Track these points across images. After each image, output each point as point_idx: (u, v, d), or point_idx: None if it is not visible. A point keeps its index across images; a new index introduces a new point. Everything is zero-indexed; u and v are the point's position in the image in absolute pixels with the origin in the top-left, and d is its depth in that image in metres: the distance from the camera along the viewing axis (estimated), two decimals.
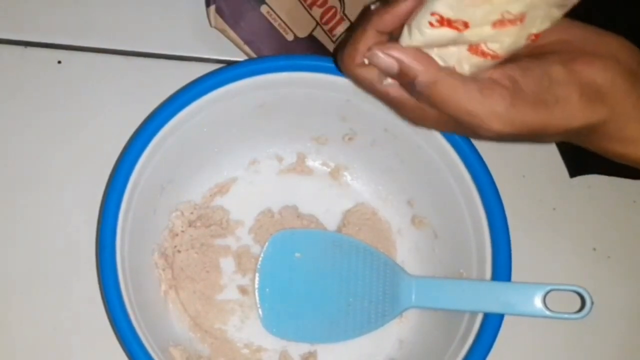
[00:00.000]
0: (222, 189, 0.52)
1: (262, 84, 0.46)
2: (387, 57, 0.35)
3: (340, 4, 0.54)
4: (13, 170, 0.51)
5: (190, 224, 0.50)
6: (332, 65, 0.46)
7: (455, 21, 0.32)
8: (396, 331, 0.50)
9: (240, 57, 0.54)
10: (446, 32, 0.33)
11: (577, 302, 0.44)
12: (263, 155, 0.52)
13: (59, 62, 0.54)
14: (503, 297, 0.43)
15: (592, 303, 0.43)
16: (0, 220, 0.50)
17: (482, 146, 0.46)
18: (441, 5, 0.32)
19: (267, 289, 0.49)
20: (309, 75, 0.46)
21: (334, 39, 0.55)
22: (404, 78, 0.35)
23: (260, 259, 0.50)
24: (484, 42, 0.33)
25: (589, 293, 0.43)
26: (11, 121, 0.52)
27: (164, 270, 0.48)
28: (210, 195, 0.51)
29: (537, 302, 0.43)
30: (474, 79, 0.34)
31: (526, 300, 0.43)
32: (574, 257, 0.54)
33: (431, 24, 0.33)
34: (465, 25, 0.32)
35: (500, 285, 0.44)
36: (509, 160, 0.55)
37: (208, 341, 0.48)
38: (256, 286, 0.49)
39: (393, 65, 0.35)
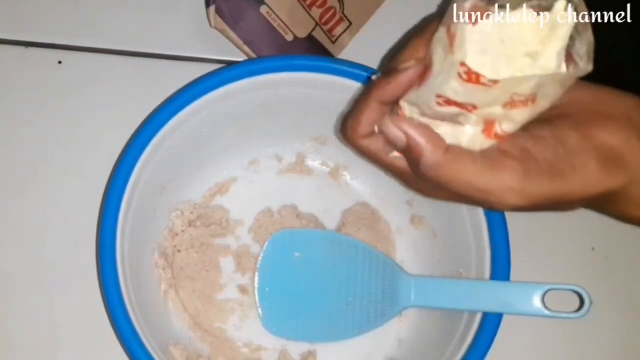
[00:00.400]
0: (222, 189, 0.52)
1: (262, 84, 0.46)
2: (397, 129, 0.33)
3: (340, 4, 0.55)
4: (13, 170, 0.51)
5: (190, 223, 0.50)
6: (331, 65, 0.46)
7: (463, 103, 0.31)
8: (395, 330, 0.50)
9: (240, 57, 0.54)
10: (454, 110, 0.32)
11: (576, 302, 0.44)
12: (263, 155, 0.52)
13: (60, 62, 0.54)
14: (502, 296, 0.43)
15: (591, 303, 0.43)
16: (0, 220, 0.50)
17: None
18: (447, 88, 0.31)
19: (267, 289, 0.49)
20: (309, 75, 0.46)
21: (333, 39, 0.55)
22: (410, 154, 0.34)
23: (260, 258, 0.50)
24: (498, 122, 0.32)
25: (587, 293, 0.43)
26: (11, 121, 0.52)
27: (164, 269, 0.49)
28: (210, 195, 0.52)
29: (536, 302, 0.43)
30: (483, 154, 0.33)
31: (525, 299, 0.43)
32: (573, 257, 0.54)
33: (438, 104, 0.32)
34: (474, 107, 0.31)
35: (499, 285, 0.44)
36: None
37: (208, 340, 0.48)
38: (256, 286, 0.50)
39: (402, 139, 0.33)
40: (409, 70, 0.33)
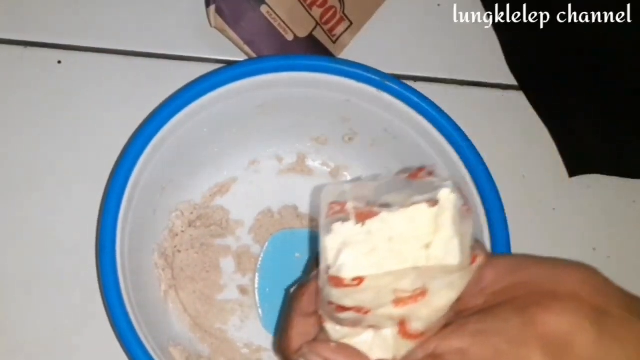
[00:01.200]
0: (222, 189, 0.52)
1: (262, 84, 0.46)
2: (318, 358, 0.31)
3: (340, 3, 0.55)
4: (13, 170, 0.51)
5: (190, 224, 0.50)
6: (332, 65, 0.46)
7: (353, 307, 0.30)
8: None
9: (240, 57, 0.54)
10: (352, 315, 0.31)
11: None
12: (263, 155, 0.52)
13: (59, 62, 0.54)
14: None
15: None
16: (0, 220, 0.50)
17: (481, 146, 0.46)
18: (329, 294, 0.30)
19: (267, 289, 0.49)
20: (309, 75, 0.46)
21: (334, 39, 0.55)
22: None
23: (260, 259, 0.50)
24: (408, 321, 0.31)
25: None
26: (11, 121, 0.52)
27: (164, 270, 0.48)
28: (210, 195, 0.51)
29: None
30: None
31: None
32: (574, 257, 0.54)
33: (336, 311, 0.31)
34: (365, 310, 0.30)
35: None
36: (508, 160, 0.55)
37: (208, 341, 0.48)
38: (256, 286, 0.49)
39: None
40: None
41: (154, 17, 0.55)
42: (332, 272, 0.29)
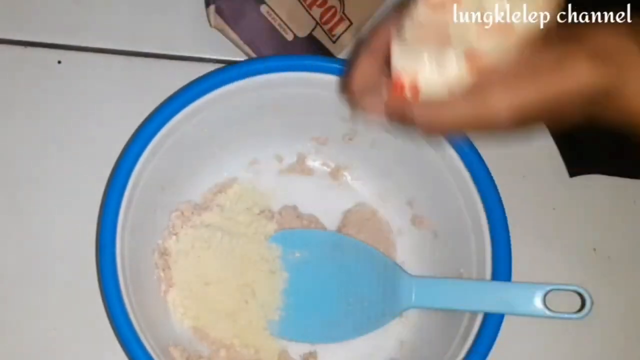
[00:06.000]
0: (222, 189, 0.52)
1: (262, 84, 0.46)
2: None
3: (340, 3, 0.54)
4: (13, 171, 0.51)
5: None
6: (332, 65, 0.46)
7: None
8: (396, 331, 0.49)
9: (240, 57, 0.54)
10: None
11: (577, 302, 0.44)
12: (263, 155, 0.52)
13: (59, 62, 0.54)
14: (503, 297, 0.43)
15: (592, 303, 0.43)
16: (0, 220, 0.50)
17: (482, 146, 0.45)
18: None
19: None
20: (309, 75, 0.46)
21: (333, 38, 0.55)
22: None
23: None
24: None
25: (589, 293, 0.43)
26: (11, 121, 0.52)
27: (164, 270, 0.48)
28: (211, 195, 0.51)
29: (538, 302, 0.43)
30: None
31: (526, 300, 0.43)
32: (574, 257, 0.54)
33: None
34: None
35: (500, 285, 0.44)
36: (509, 160, 0.54)
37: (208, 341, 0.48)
38: None
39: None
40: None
41: (154, 17, 0.55)
42: None
